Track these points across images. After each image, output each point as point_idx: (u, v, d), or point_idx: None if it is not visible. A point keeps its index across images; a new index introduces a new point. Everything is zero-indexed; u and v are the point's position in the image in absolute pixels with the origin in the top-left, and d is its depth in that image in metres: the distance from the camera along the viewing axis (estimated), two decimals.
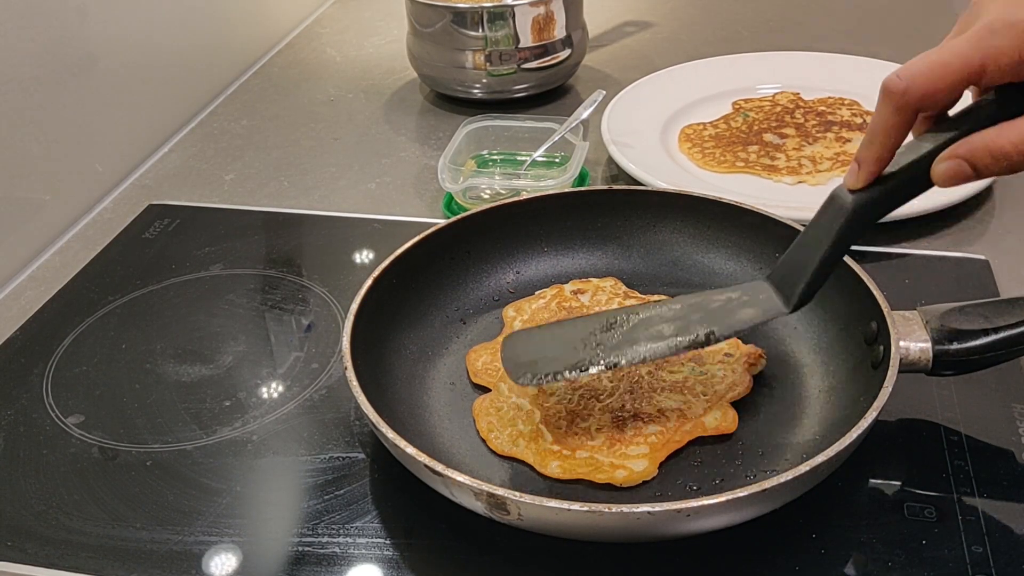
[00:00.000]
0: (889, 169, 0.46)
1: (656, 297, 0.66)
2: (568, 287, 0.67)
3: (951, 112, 0.47)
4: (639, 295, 0.66)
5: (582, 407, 0.57)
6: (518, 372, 0.54)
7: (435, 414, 0.59)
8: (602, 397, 0.58)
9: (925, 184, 0.46)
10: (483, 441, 0.56)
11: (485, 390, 0.60)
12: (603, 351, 0.54)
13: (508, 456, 0.55)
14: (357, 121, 1.00)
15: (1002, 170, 0.43)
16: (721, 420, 0.56)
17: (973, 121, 0.44)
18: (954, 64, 0.42)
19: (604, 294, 0.66)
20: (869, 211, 0.48)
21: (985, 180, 0.76)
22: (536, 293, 0.67)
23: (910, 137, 0.47)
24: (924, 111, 0.44)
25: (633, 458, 0.53)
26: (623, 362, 0.53)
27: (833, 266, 0.50)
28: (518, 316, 0.65)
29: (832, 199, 0.49)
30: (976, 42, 0.42)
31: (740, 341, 0.61)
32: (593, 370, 0.53)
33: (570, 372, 0.53)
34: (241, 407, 0.62)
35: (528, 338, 0.58)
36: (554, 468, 0.54)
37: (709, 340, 0.53)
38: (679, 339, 0.53)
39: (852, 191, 0.48)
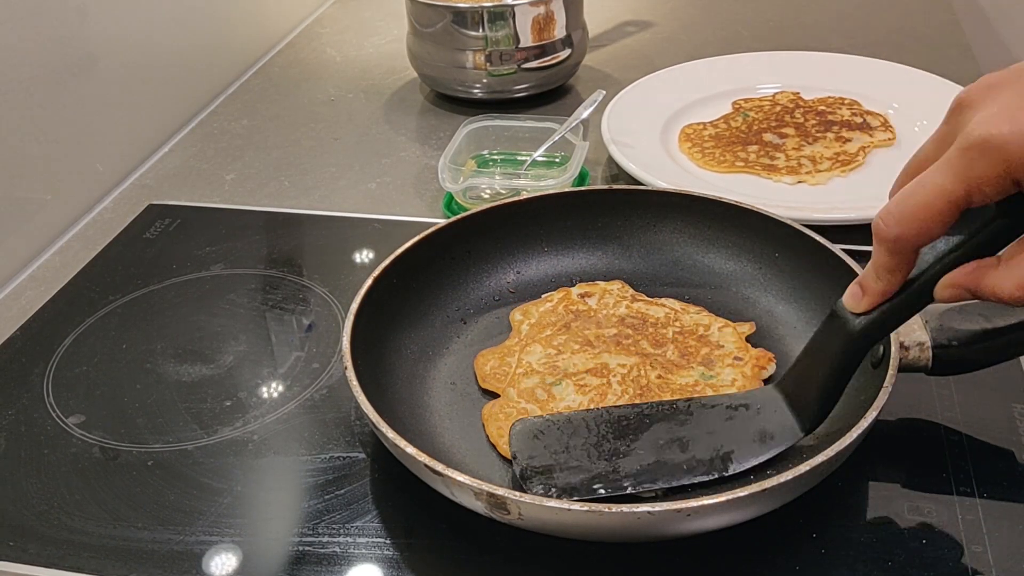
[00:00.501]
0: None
1: (664, 300, 0.65)
2: (575, 290, 0.67)
3: None
4: (646, 298, 0.66)
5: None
6: (531, 480, 0.51)
7: (436, 414, 0.59)
8: (611, 400, 0.58)
9: (928, 300, 0.45)
10: (492, 446, 0.56)
11: (491, 394, 0.60)
12: (615, 466, 0.52)
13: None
14: (357, 121, 1.00)
15: (1010, 305, 0.42)
16: None
17: (978, 223, 0.43)
18: (939, 204, 0.41)
19: (611, 297, 0.66)
20: (871, 334, 0.48)
21: None
22: (543, 296, 0.67)
23: None
24: (921, 246, 0.44)
25: None
26: (632, 491, 0.51)
27: (842, 386, 0.50)
28: (525, 320, 0.65)
29: (834, 317, 0.48)
30: (955, 174, 0.40)
31: (749, 344, 0.61)
32: (602, 493, 0.50)
33: (580, 493, 0.51)
34: (242, 407, 0.62)
35: (539, 435, 0.54)
36: None
37: (728, 470, 0.51)
38: (703, 471, 0.51)
39: (853, 314, 0.47)
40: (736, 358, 0.60)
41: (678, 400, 0.56)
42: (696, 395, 0.57)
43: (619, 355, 0.61)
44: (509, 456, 0.55)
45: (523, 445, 0.54)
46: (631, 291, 0.67)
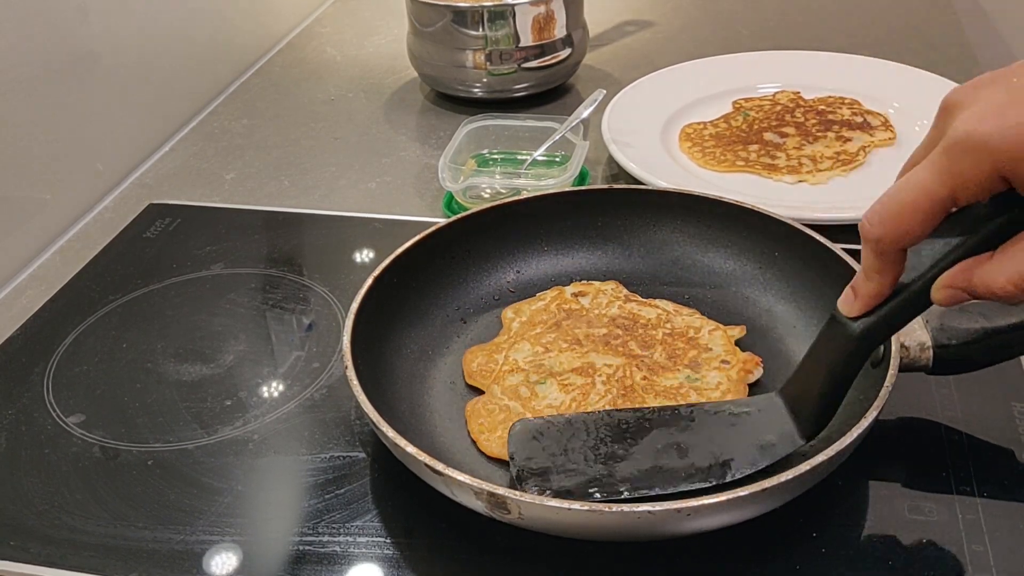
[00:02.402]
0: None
1: (657, 302, 0.65)
2: (569, 289, 0.67)
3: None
4: (640, 298, 0.66)
5: (573, 409, 0.57)
6: (527, 482, 0.51)
7: (436, 413, 0.59)
8: (593, 400, 0.58)
9: (927, 303, 0.44)
10: (474, 442, 0.56)
11: (479, 391, 0.60)
12: (612, 470, 0.52)
13: (496, 458, 0.55)
14: (357, 120, 1.00)
15: (1001, 301, 0.42)
16: None
17: (974, 223, 0.42)
18: (923, 203, 0.41)
19: (605, 297, 0.66)
20: (871, 337, 0.47)
21: None
22: (537, 295, 0.67)
23: None
24: (907, 247, 0.43)
25: None
26: (628, 496, 0.50)
27: (841, 392, 0.49)
28: (517, 318, 0.65)
29: (834, 321, 0.48)
30: (939, 173, 0.40)
31: (738, 348, 0.61)
32: (597, 497, 0.50)
33: (575, 496, 0.50)
34: (242, 406, 0.62)
35: (538, 436, 0.54)
36: None
37: (726, 477, 0.50)
38: (702, 477, 0.51)
39: (849, 318, 0.47)
40: (723, 361, 0.60)
41: (680, 405, 0.56)
42: (680, 397, 0.57)
43: (606, 355, 0.61)
44: (491, 453, 0.55)
45: (521, 446, 0.53)
46: (625, 291, 0.67)
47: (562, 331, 0.63)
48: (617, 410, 0.56)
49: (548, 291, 0.67)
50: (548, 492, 0.50)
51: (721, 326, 0.63)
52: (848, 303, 0.47)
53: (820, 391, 0.50)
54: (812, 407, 0.51)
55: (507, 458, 0.54)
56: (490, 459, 0.55)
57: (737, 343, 0.62)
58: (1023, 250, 0.40)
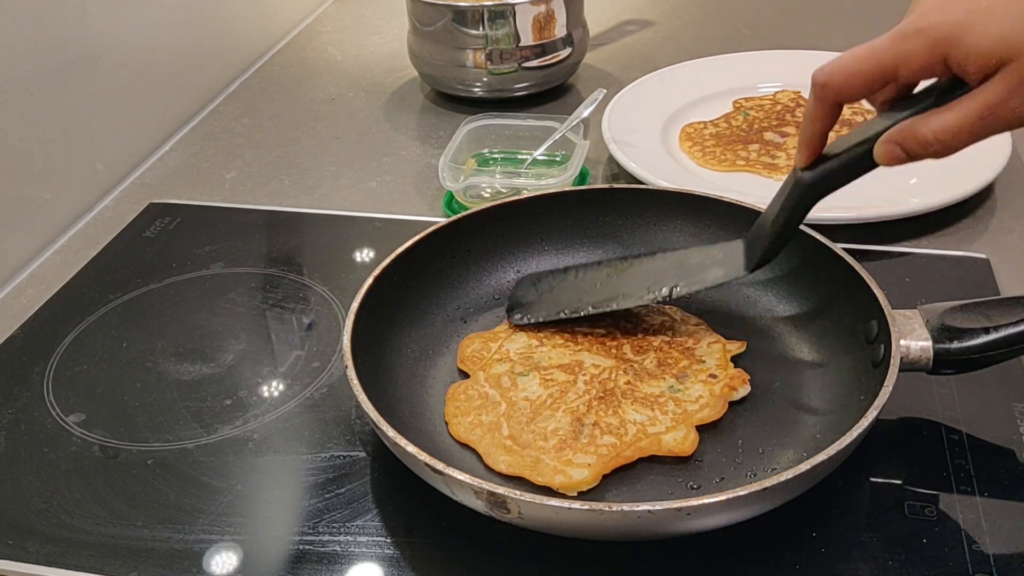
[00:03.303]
0: (836, 148, 0.51)
1: (667, 308, 0.65)
2: None
3: (917, 90, 0.50)
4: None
5: (548, 404, 0.57)
6: (513, 311, 0.64)
7: (436, 413, 0.59)
8: (570, 398, 0.58)
9: (871, 163, 0.49)
10: (445, 424, 0.57)
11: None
12: (581, 297, 0.63)
13: (462, 442, 0.56)
14: (358, 120, 1.00)
15: (930, 155, 0.47)
16: (680, 442, 0.54)
17: (922, 102, 0.48)
18: (868, 65, 0.47)
19: None
20: (818, 185, 0.52)
21: (984, 178, 0.76)
22: None
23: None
24: (844, 102, 0.49)
25: (576, 466, 0.53)
26: (594, 311, 0.62)
27: (788, 233, 0.55)
28: None
29: (791, 174, 0.53)
30: (889, 45, 0.47)
31: (731, 362, 0.60)
32: (569, 315, 0.62)
33: (551, 316, 0.63)
34: (242, 406, 0.62)
35: (537, 281, 0.66)
36: (501, 462, 0.54)
37: (672, 294, 0.60)
38: (650, 295, 0.61)
39: (800, 169, 0.52)
40: (711, 375, 0.59)
41: (664, 250, 0.64)
42: (658, 406, 0.57)
43: (597, 356, 0.61)
44: (457, 437, 0.56)
45: (521, 288, 0.66)
46: None
47: (562, 327, 0.63)
48: (610, 259, 0.65)
49: None
50: (527, 317, 0.63)
51: (723, 339, 0.62)
52: (798, 154, 0.52)
53: (770, 231, 0.56)
54: (760, 244, 0.57)
55: (471, 444, 0.56)
56: (460, 444, 0.56)
57: (735, 359, 0.61)
58: (950, 109, 0.46)
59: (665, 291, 0.60)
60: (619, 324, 0.63)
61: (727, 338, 0.62)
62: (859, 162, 0.50)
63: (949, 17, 0.45)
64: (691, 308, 0.66)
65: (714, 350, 0.61)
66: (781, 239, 0.56)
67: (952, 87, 0.47)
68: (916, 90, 0.50)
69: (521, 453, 0.54)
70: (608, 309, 0.62)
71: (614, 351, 0.61)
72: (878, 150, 0.48)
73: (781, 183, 0.55)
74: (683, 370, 0.60)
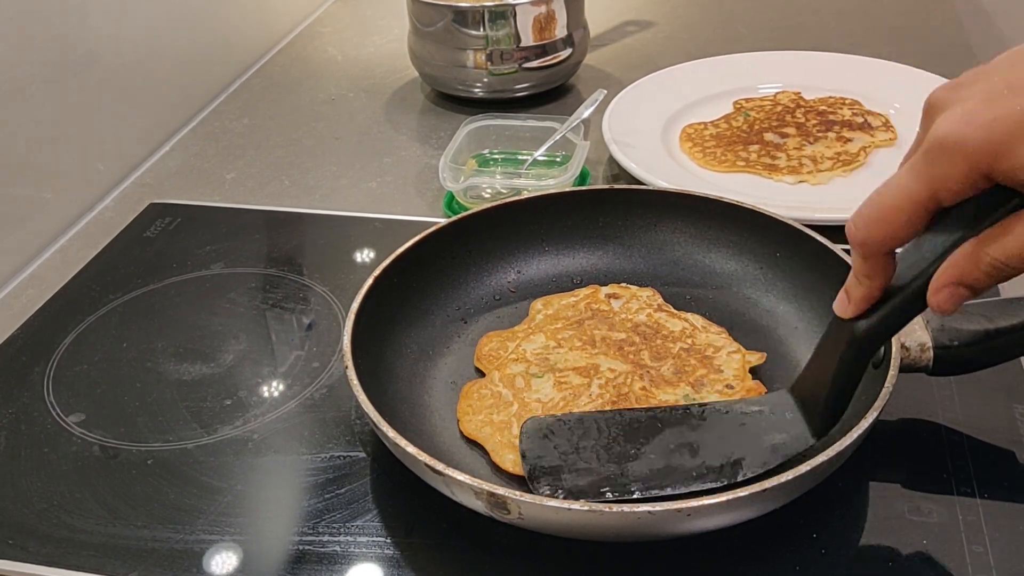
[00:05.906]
0: (887, 291, 0.45)
1: (688, 315, 0.64)
2: (604, 290, 0.66)
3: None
4: (672, 309, 0.64)
5: (561, 407, 0.57)
6: (539, 480, 0.51)
7: (436, 413, 0.59)
8: (583, 402, 0.58)
9: (925, 303, 0.43)
10: (456, 421, 0.57)
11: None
12: (624, 470, 0.51)
13: (471, 439, 0.56)
14: (358, 120, 1.00)
15: (995, 284, 0.41)
16: None
17: (973, 216, 0.41)
18: (905, 206, 0.41)
19: (637, 303, 0.65)
20: (872, 336, 0.46)
21: None
22: (572, 290, 0.67)
23: None
24: (892, 249, 0.43)
25: None
26: (640, 496, 0.50)
27: (850, 390, 0.49)
28: (544, 310, 0.65)
29: (837, 322, 0.47)
30: (919, 175, 0.40)
31: (749, 374, 0.59)
32: (609, 497, 0.50)
33: (587, 495, 0.50)
34: (242, 406, 0.62)
35: (550, 435, 0.54)
36: (508, 461, 0.54)
37: (736, 476, 0.50)
38: (711, 476, 0.51)
39: (851, 320, 0.46)
40: (728, 386, 0.58)
41: (691, 404, 0.56)
42: None
43: (614, 360, 0.61)
44: (467, 433, 0.56)
45: (533, 444, 0.53)
46: (659, 301, 0.65)
47: (582, 330, 0.63)
48: (628, 409, 0.56)
49: (584, 288, 0.67)
50: (560, 492, 0.50)
51: (743, 350, 0.61)
52: (843, 306, 0.46)
53: (828, 391, 0.49)
54: (821, 406, 0.50)
55: (480, 441, 0.55)
56: (469, 440, 0.56)
57: (754, 371, 0.60)
58: (1009, 231, 0.39)
59: (741, 474, 0.50)
60: (638, 328, 0.63)
61: (747, 348, 0.61)
62: (912, 305, 0.44)
63: (981, 127, 0.38)
64: (687, 303, 0.66)
65: (733, 360, 0.60)
66: (842, 402, 0.49)
67: (995, 199, 0.40)
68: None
69: None
70: (662, 494, 0.50)
71: (632, 356, 0.61)
72: (938, 299, 0.42)
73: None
74: (700, 379, 0.59)
